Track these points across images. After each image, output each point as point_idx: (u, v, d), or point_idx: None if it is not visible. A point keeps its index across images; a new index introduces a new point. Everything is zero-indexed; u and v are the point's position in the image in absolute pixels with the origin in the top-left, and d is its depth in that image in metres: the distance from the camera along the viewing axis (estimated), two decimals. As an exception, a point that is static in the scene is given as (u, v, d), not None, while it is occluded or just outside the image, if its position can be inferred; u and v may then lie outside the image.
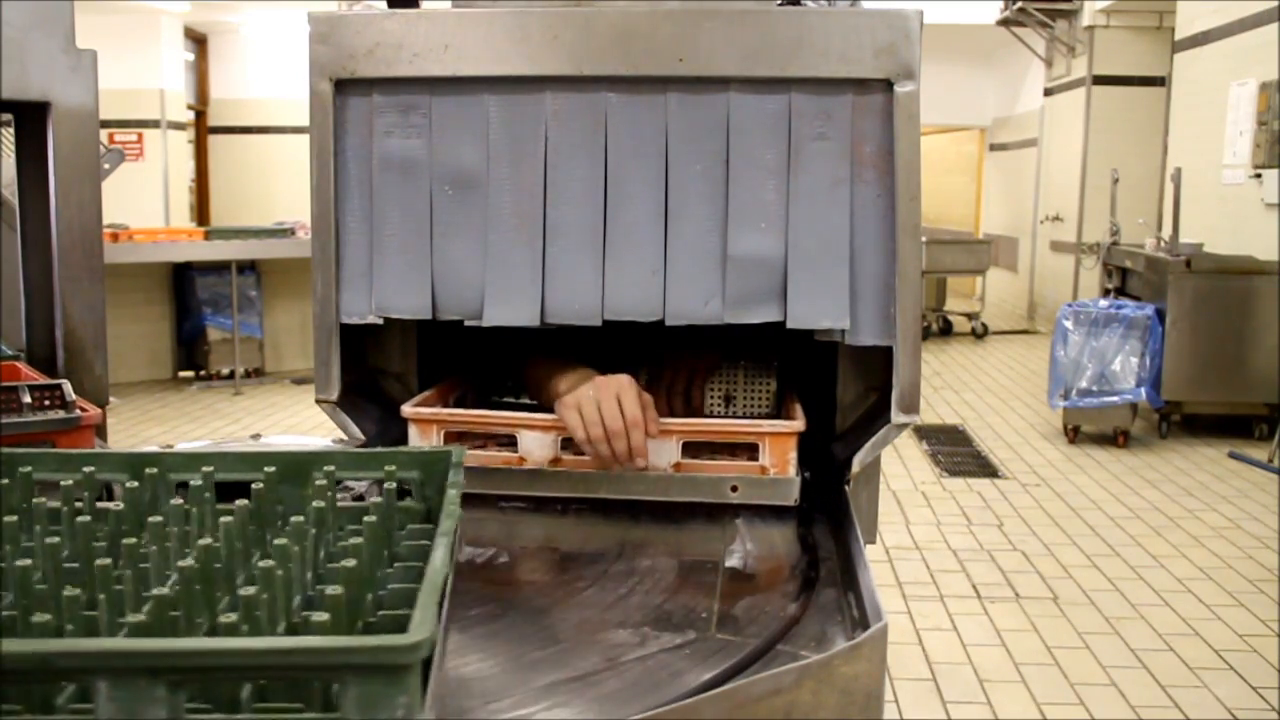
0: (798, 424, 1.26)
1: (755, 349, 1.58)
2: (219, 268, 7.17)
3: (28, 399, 1.31)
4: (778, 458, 1.25)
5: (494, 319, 1.29)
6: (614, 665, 0.87)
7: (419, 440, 1.31)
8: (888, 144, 1.23)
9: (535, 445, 1.28)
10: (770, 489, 1.25)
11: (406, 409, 1.32)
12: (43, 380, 1.39)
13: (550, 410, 1.30)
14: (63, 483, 0.81)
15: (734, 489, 1.24)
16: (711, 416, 1.58)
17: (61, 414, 1.31)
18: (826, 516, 1.23)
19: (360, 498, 1.09)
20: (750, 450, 1.29)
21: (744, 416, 1.59)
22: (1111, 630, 3.47)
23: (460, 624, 0.97)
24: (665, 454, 1.26)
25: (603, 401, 1.22)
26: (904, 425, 1.26)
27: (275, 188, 11.70)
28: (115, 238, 6.92)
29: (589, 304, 1.28)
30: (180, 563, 0.66)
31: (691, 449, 1.30)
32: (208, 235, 7.29)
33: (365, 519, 0.77)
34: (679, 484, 1.25)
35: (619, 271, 1.27)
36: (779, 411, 1.53)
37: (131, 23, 10.31)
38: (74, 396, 1.34)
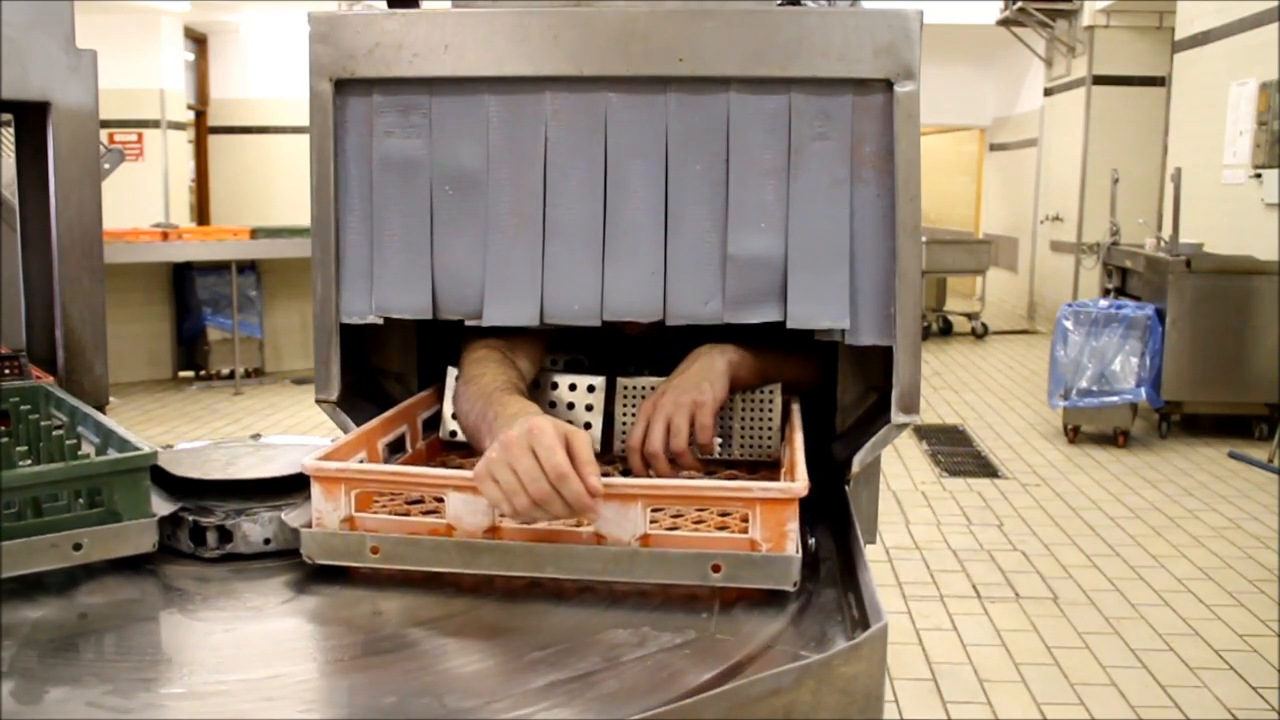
0: (798, 487, 1.01)
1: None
2: (219, 268, 7.17)
3: None
4: (772, 530, 1.00)
5: (494, 319, 1.29)
6: (614, 665, 0.87)
7: (324, 502, 1.06)
8: (888, 144, 1.23)
9: (466, 511, 1.03)
10: (762, 569, 1.00)
11: (308, 462, 1.08)
12: (3, 351, 1.54)
13: None
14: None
15: (716, 568, 1.00)
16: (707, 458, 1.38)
17: (19, 383, 1.43)
18: (826, 516, 1.23)
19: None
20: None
21: (742, 459, 1.41)
22: (1111, 630, 3.47)
23: (460, 624, 0.97)
24: (629, 524, 1.02)
25: (516, 462, 0.99)
26: (904, 425, 1.26)
27: (275, 188, 11.71)
28: (165, 236, 6.95)
29: (589, 304, 1.28)
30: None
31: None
32: (253, 234, 7.28)
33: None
34: (646, 562, 1.01)
35: (619, 271, 1.27)
36: (781, 440, 1.38)
37: (131, 23, 10.33)
38: (31, 367, 1.48)
